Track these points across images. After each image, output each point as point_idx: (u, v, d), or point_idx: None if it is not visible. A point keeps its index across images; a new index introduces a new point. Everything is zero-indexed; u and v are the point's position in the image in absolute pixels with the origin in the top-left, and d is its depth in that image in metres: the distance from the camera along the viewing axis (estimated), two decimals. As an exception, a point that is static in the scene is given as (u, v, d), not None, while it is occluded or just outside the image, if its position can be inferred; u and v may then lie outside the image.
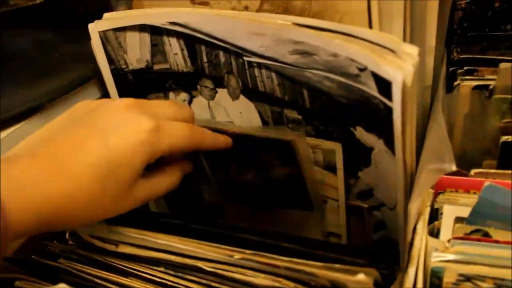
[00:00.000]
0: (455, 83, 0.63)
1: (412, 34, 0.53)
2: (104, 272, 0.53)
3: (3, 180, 0.41)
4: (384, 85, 0.46)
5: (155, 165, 0.52)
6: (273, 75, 0.56)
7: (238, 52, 0.56)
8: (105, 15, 0.61)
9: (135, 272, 0.52)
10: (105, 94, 0.68)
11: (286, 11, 0.55)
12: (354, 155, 0.57)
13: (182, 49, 0.60)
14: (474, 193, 0.52)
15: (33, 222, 0.42)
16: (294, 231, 0.67)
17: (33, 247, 0.57)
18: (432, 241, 0.46)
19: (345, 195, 0.62)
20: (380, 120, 0.49)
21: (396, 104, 0.45)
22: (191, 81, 0.63)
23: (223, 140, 0.60)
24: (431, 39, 0.57)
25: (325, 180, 0.62)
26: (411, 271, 0.44)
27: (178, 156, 0.57)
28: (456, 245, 0.45)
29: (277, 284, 0.47)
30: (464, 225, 0.47)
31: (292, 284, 0.47)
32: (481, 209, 0.46)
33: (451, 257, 0.44)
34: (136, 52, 0.62)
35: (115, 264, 0.53)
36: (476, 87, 0.61)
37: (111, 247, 0.54)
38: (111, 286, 0.52)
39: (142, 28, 0.60)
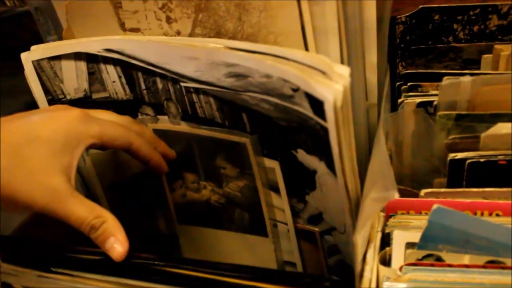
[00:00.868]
0: (399, 101, 0.62)
1: (350, 52, 0.52)
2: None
3: None
4: (317, 105, 0.45)
5: None
6: (211, 100, 0.55)
7: (174, 78, 0.55)
8: (33, 47, 0.59)
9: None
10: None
11: (219, 34, 0.54)
12: (299, 178, 0.56)
13: (119, 77, 0.59)
14: (426, 213, 0.51)
15: None
16: (251, 261, 0.65)
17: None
18: (383, 270, 0.44)
19: (295, 219, 0.61)
20: (319, 142, 0.48)
21: (330, 124, 0.45)
22: (131, 109, 0.61)
23: (164, 146, 0.59)
24: (372, 55, 0.56)
25: (273, 202, 0.60)
26: (362, 305, 0.42)
27: None
28: (409, 272, 0.43)
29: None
30: (416, 250, 0.45)
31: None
32: (431, 233, 0.45)
33: (404, 285, 0.42)
34: (73, 81, 0.60)
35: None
36: (420, 104, 0.60)
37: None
38: None
39: (77, 56, 0.59)
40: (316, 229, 0.60)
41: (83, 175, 0.66)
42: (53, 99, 0.62)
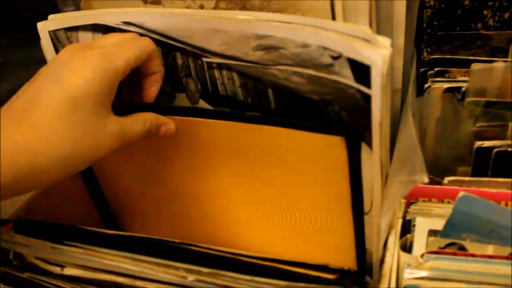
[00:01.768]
0: (426, 86, 0.60)
1: (379, 33, 0.51)
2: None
3: None
4: (361, 71, 0.44)
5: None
6: (235, 75, 0.53)
7: (196, 53, 0.53)
8: (50, 16, 0.58)
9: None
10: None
11: (244, 9, 0.53)
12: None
13: (138, 50, 0.57)
14: (448, 202, 0.50)
15: (11, 173, 0.43)
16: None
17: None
18: (404, 256, 0.43)
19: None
20: (355, 113, 0.47)
21: (375, 90, 0.43)
22: (149, 85, 0.59)
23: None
24: (400, 38, 0.55)
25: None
26: (382, 291, 0.41)
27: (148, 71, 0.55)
28: (431, 260, 0.42)
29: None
30: (439, 238, 0.44)
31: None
32: (455, 221, 0.43)
33: (425, 273, 0.41)
34: (90, 54, 0.59)
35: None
36: (448, 90, 0.59)
37: (56, 269, 0.50)
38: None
39: (95, 28, 0.57)
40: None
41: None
42: (70, 71, 0.61)
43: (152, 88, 0.56)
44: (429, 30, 0.74)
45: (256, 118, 0.52)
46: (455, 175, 0.53)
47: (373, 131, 0.45)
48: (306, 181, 0.53)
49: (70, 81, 0.47)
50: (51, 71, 0.49)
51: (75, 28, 0.58)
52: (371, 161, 0.47)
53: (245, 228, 0.61)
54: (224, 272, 0.46)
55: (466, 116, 0.55)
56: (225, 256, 0.49)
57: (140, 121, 0.52)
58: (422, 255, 0.42)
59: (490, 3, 0.70)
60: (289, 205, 0.57)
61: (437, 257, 0.42)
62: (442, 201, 0.50)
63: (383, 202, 0.45)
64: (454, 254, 0.42)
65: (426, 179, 0.40)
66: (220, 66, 0.53)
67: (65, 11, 0.62)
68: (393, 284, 0.41)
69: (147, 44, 0.53)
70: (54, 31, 0.58)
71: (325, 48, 0.45)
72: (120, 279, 0.48)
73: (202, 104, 0.57)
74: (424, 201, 0.51)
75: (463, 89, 0.57)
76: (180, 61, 0.55)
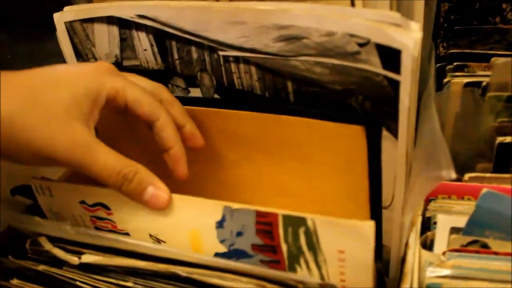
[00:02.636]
0: (445, 80, 0.59)
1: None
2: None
3: None
4: (390, 57, 0.43)
5: None
6: (253, 69, 0.52)
7: (212, 47, 0.52)
8: (66, 8, 0.57)
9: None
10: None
11: (261, -1, 0.52)
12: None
13: (151, 45, 0.57)
14: (469, 199, 0.49)
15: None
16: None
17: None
18: (426, 254, 0.42)
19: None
20: (381, 101, 0.46)
21: (404, 76, 0.43)
22: (162, 80, 0.58)
23: (192, 125, 0.53)
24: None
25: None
26: (405, 289, 0.40)
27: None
28: (453, 258, 0.41)
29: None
30: (461, 236, 0.43)
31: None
32: (478, 218, 0.42)
33: (447, 272, 0.40)
34: (105, 46, 0.59)
35: (77, 283, 0.48)
36: (468, 84, 0.58)
37: (74, 260, 0.49)
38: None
39: (110, 20, 0.57)
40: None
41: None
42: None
43: (179, 169, 0.50)
44: (446, 25, 0.73)
45: (276, 108, 0.51)
46: (474, 171, 0.52)
47: (400, 118, 0.45)
48: (324, 173, 0.53)
49: (63, 69, 0.46)
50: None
51: (91, 20, 0.57)
52: (395, 151, 0.47)
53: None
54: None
55: (487, 111, 0.54)
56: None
57: (120, 159, 0.45)
58: (444, 253, 0.42)
59: (510, -3, 0.69)
60: (306, 199, 0.56)
61: (459, 255, 0.41)
62: (462, 198, 0.49)
63: (407, 199, 0.44)
64: (477, 252, 0.42)
65: (454, 175, 0.39)
66: (237, 60, 0.52)
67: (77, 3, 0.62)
68: (415, 283, 0.40)
69: (156, 106, 0.49)
70: (70, 22, 0.58)
71: (351, 35, 0.44)
72: (140, 264, 0.47)
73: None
74: (443, 198, 0.50)
75: (484, 83, 0.56)
76: (195, 56, 0.54)
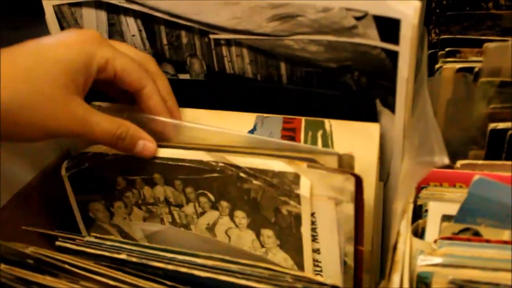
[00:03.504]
0: (437, 66, 0.59)
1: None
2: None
3: None
4: (388, 28, 0.44)
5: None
6: (245, 51, 0.52)
7: (203, 30, 0.52)
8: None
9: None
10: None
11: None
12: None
13: (140, 30, 0.56)
14: (460, 186, 0.48)
15: None
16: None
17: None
18: (417, 242, 0.42)
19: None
20: (379, 75, 0.47)
21: (404, 46, 0.43)
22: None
23: (174, 101, 0.55)
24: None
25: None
26: (395, 278, 0.40)
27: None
28: (444, 246, 0.40)
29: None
30: (453, 223, 0.43)
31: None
32: (470, 205, 0.42)
33: (439, 260, 0.40)
34: (93, 31, 0.58)
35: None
36: (460, 70, 0.57)
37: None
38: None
39: (98, 5, 0.56)
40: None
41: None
42: (72, 49, 0.59)
43: (150, 102, 0.52)
44: (438, 10, 0.73)
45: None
46: (466, 158, 0.51)
47: (398, 89, 0.46)
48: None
49: (50, 42, 0.47)
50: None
51: (79, 4, 0.57)
52: (392, 126, 0.47)
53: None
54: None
55: (479, 97, 0.54)
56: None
57: (113, 122, 0.49)
58: (435, 241, 0.41)
59: (503, -19, 0.68)
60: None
61: (451, 243, 0.41)
62: (454, 186, 0.49)
63: (398, 185, 0.44)
64: (468, 240, 0.41)
65: (447, 160, 0.39)
66: (228, 43, 0.51)
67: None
68: (406, 271, 0.40)
69: (143, 75, 0.51)
70: (59, 6, 0.58)
71: (348, 9, 0.44)
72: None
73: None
74: (435, 185, 0.49)
75: (476, 69, 0.56)
76: (184, 40, 0.54)
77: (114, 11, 0.55)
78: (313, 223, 0.48)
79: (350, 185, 0.45)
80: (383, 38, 0.44)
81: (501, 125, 0.51)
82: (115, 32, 0.57)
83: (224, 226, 0.54)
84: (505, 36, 0.67)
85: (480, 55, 0.57)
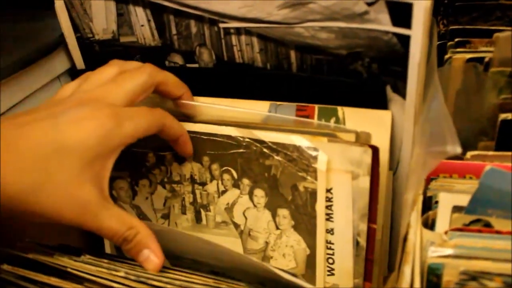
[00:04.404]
0: (446, 56, 0.58)
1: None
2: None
3: None
4: (401, 12, 0.44)
5: None
6: (255, 40, 0.52)
7: (213, 19, 0.52)
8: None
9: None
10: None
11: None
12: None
13: (149, 20, 0.56)
14: (470, 178, 0.48)
15: None
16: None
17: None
18: (428, 234, 0.41)
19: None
20: (390, 61, 0.47)
21: (416, 28, 0.43)
22: (159, 57, 0.58)
23: (188, 92, 0.54)
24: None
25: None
26: (407, 269, 0.39)
27: None
28: (455, 237, 0.40)
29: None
30: (463, 214, 0.42)
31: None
32: (481, 196, 0.42)
33: (450, 251, 0.40)
34: (102, 21, 0.58)
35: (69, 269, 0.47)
36: (470, 60, 0.57)
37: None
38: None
39: (107, -5, 0.56)
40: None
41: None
42: (82, 37, 0.60)
43: (185, 150, 0.53)
44: (446, 1, 0.72)
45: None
46: (476, 149, 0.51)
47: (409, 74, 0.46)
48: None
49: (69, 128, 0.44)
50: (52, 107, 0.46)
51: (88, -5, 0.57)
52: (403, 113, 0.47)
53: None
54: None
55: (489, 87, 0.54)
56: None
57: (123, 222, 0.47)
58: (446, 232, 0.41)
59: (513, -29, 0.68)
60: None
61: (461, 234, 0.41)
62: (464, 177, 0.49)
63: (409, 175, 0.44)
64: (479, 231, 0.41)
65: (459, 150, 0.39)
66: (238, 31, 0.51)
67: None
68: (417, 262, 0.40)
69: (160, 116, 0.49)
70: (68, -4, 0.57)
71: None
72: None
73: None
74: (444, 177, 0.49)
75: (486, 59, 0.56)
76: (194, 30, 0.53)
77: (123, 0, 0.55)
78: (329, 199, 0.49)
79: (368, 158, 0.46)
80: (395, 23, 0.44)
81: (511, 116, 0.51)
82: (123, 22, 0.57)
83: (243, 206, 0.55)
84: (515, 27, 0.67)
85: (490, 45, 0.57)
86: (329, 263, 0.52)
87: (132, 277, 0.45)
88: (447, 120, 0.43)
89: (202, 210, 0.57)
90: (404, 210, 0.42)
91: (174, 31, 0.55)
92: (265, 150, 0.51)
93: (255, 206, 0.54)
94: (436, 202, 0.45)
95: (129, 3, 0.55)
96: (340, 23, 0.46)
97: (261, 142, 0.51)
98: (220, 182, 0.55)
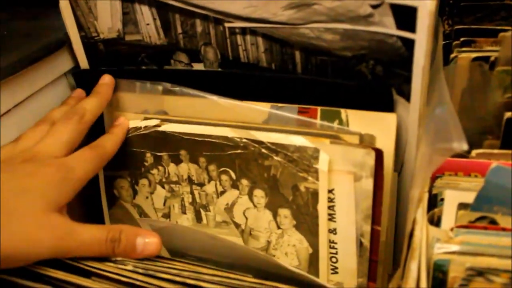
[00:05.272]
0: (452, 55, 0.58)
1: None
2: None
3: None
4: (405, 16, 0.44)
5: None
6: (260, 40, 0.52)
7: (218, 19, 0.52)
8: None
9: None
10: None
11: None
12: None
13: (154, 19, 0.56)
14: (476, 176, 0.48)
15: None
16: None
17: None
18: (433, 230, 0.41)
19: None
20: (395, 64, 0.47)
21: (420, 32, 0.43)
22: (164, 55, 0.58)
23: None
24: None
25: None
26: (413, 265, 0.39)
27: None
28: (461, 234, 0.40)
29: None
30: (469, 211, 0.42)
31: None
32: (487, 193, 0.42)
33: (456, 248, 0.40)
34: (107, 20, 0.58)
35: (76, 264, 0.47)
36: (476, 59, 0.57)
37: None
38: None
39: (112, -6, 0.56)
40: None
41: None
42: (86, 37, 0.60)
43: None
44: (451, 1, 0.72)
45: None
46: (481, 148, 0.51)
47: (414, 78, 0.46)
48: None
49: (25, 179, 0.45)
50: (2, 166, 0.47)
51: (93, -6, 0.57)
52: (407, 116, 0.47)
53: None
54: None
55: (495, 86, 0.54)
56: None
57: (101, 228, 0.47)
58: (451, 229, 0.41)
59: (518, -30, 0.68)
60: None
61: (467, 231, 0.41)
62: (469, 175, 0.49)
63: (415, 172, 0.43)
64: (485, 228, 0.41)
65: (466, 146, 0.39)
66: (243, 31, 0.51)
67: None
68: (423, 259, 0.40)
69: (100, 149, 0.52)
70: (73, -4, 0.57)
71: None
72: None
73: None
74: (450, 175, 0.49)
75: (492, 58, 0.56)
76: (199, 29, 0.53)
77: (128, -1, 0.55)
78: (331, 200, 0.49)
79: (371, 160, 0.46)
80: (400, 26, 0.44)
81: (516, 115, 0.51)
82: (129, 21, 0.57)
83: (243, 206, 0.55)
84: (520, 27, 0.67)
85: (495, 44, 0.57)
86: (332, 262, 0.52)
87: (141, 271, 0.45)
88: (453, 117, 0.43)
89: (201, 210, 0.58)
90: (409, 207, 0.42)
91: (179, 30, 0.55)
92: (264, 150, 0.51)
93: (255, 206, 0.54)
94: (442, 200, 0.45)
95: (135, 1, 0.55)
96: (344, 25, 0.47)
97: (260, 142, 0.51)
98: (218, 182, 0.55)
